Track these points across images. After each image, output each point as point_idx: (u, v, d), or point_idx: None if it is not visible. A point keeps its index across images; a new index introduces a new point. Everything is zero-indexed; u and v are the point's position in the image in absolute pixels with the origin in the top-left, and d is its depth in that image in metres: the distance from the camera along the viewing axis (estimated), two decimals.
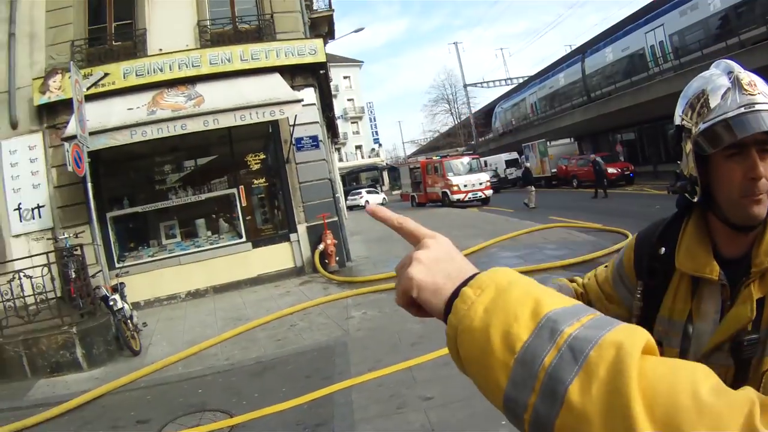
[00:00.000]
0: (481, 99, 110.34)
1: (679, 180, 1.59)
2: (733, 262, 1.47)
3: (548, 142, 40.71)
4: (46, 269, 9.11)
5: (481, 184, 31.11)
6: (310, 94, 14.39)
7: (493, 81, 71.25)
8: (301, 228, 14.30)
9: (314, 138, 14.53)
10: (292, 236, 14.34)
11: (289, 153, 14.20)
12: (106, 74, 12.65)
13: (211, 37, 14.30)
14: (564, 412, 0.64)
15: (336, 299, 11.13)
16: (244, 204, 14.42)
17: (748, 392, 0.62)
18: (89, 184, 10.22)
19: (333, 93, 28.60)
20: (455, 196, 30.57)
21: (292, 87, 13.65)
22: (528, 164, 30.61)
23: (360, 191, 49.94)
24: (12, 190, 12.78)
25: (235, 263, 13.84)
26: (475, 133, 69.23)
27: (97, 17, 14.04)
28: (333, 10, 21.91)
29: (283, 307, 10.92)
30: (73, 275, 9.58)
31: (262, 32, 14.54)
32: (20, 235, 12.70)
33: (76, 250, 9.89)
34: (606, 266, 1.87)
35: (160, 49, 13.67)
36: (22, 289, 8.91)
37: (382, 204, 45.96)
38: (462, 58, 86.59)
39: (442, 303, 0.79)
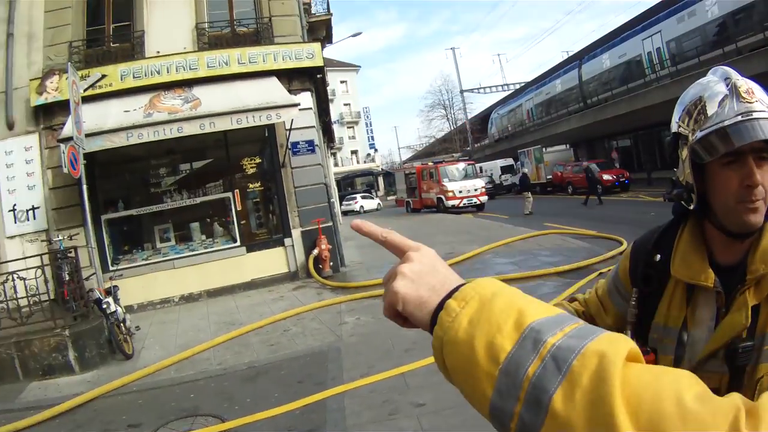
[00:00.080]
0: (478, 105, 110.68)
1: (675, 187, 1.59)
2: (728, 269, 1.47)
3: (544, 149, 40.77)
4: (39, 271, 9.08)
5: (476, 190, 31.16)
6: (306, 99, 14.38)
7: (490, 87, 71.43)
8: (296, 233, 14.29)
9: (310, 142, 14.52)
10: (287, 241, 14.32)
11: (284, 157, 14.20)
12: (103, 76, 12.67)
13: (209, 39, 14.29)
14: (549, 421, 0.64)
15: (329, 304, 11.11)
16: (239, 208, 14.40)
17: (733, 399, 0.62)
18: (84, 186, 10.21)
19: (330, 97, 28.65)
20: (450, 202, 30.59)
21: (289, 91, 13.62)
22: (526, 170, 30.64)
23: (355, 196, 50.04)
24: (7, 191, 12.74)
25: (229, 267, 13.81)
26: (470, 138, 69.36)
27: (96, 18, 14.04)
28: (331, 14, 21.87)
29: (277, 312, 10.91)
30: (67, 277, 9.57)
31: (260, 35, 14.54)
32: (15, 236, 12.64)
33: (70, 252, 9.89)
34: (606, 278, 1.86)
35: (158, 52, 13.65)
36: (16, 291, 8.91)
37: (376, 209, 46.37)
38: (459, 64, 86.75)
39: (427, 316, 0.80)
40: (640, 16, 34.23)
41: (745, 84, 1.39)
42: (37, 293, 9.01)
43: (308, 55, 14.23)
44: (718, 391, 1.31)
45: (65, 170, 10.48)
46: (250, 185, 14.83)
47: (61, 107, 12.27)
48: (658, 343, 1.55)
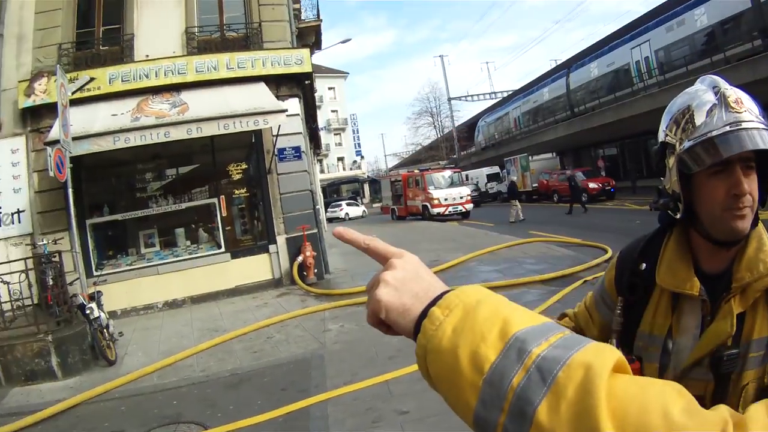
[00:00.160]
0: (465, 112, 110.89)
1: (661, 196, 1.59)
2: (714, 277, 1.47)
3: (530, 157, 40.88)
4: (23, 275, 9.04)
5: (461, 197, 31.20)
6: (294, 105, 14.41)
7: (478, 95, 71.55)
8: (281, 239, 14.29)
9: (297, 149, 14.55)
10: (271, 248, 14.32)
11: (271, 163, 14.21)
12: (91, 79, 12.66)
13: (198, 44, 14.29)
14: None
15: (313, 312, 11.11)
16: (224, 214, 14.37)
17: (721, 411, 0.62)
18: (70, 190, 10.18)
19: (317, 104, 28.62)
20: (436, 210, 30.59)
21: (277, 97, 13.65)
22: (514, 178, 30.72)
23: (340, 203, 49.98)
24: None
25: (214, 274, 13.77)
26: (457, 146, 69.45)
27: (86, 21, 14.00)
28: (321, 21, 21.96)
29: (261, 318, 10.89)
30: (51, 282, 9.51)
31: (250, 41, 14.55)
32: None
33: (55, 256, 9.83)
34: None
35: (147, 55, 13.63)
36: None
37: (361, 216, 46.33)
38: (447, 72, 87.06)
39: (410, 323, 0.79)
40: (629, 25, 34.53)
41: (734, 93, 1.39)
42: (21, 297, 8.98)
43: (297, 61, 14.27)
44: (703, 398, 1.35)
45: (51, 173, 10.41)
46: (236, 191, 14.81)
47: (49, 110, 12.21)
48: (643, 351, 1.55)
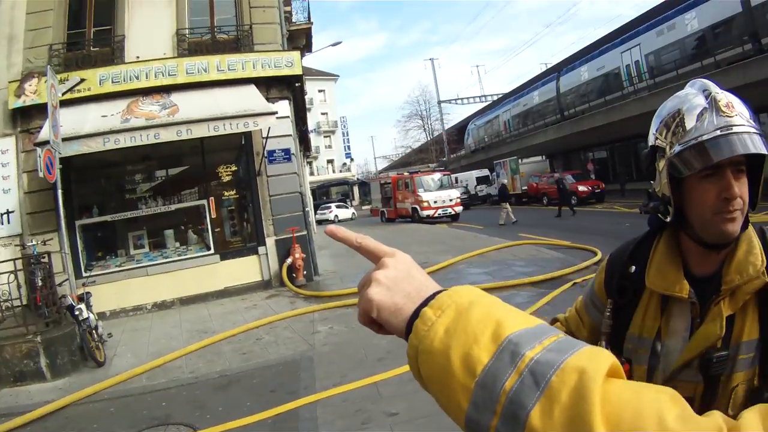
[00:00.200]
0: (455, 115, 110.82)
1: (651, 200, 1.59)
2: (703, 280, 1.48)
3: (520, 160, 40.97)
4: (12, 276, 9.01)
5: (451, 200, 31.31)
6: (284, 107, 14.41)
7: (468, 98, 71.74)
8: (270, 241, 14.29)
9: (286, 151, 14.56)
10: (261, 249, 14.32)
11: (260, 165, 14.21)
12: (82, 80, 12.63)
13: (189, 46, 14.26)
14: None
15: (302, 313, 11.11)
16: (213, 216, 14.36)
17: (715, 418, 0.61)
18: (59, 191, 10.17)
19: (307, 106, 28.61)
20: (425, 212, 30.69)
21: (267, 99, 13.65)
22: (505, 181, 30.85)
23: (329, 205, 49.87)
24: None
25: (203, 275, 13.75)
26: (447, 149, 69.55)
27: (77, 22, 13.93)
28: (312, 23, 21.92)
29: (250, 320, 10.90)
30: (40, 283, 9.45)
31: (240, 43, 14.54)
32: None
33: (44, 257, 9.80)
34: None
35: (138, 57, 13.59)
36: None
37: (351, 219, 46.30)
38: (437, 75, 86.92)
39: (402, 323, 0.78)
40: (620, 29, 34.72)
41: (725, 97, 1.39)
42: (10, 298, 8.96)
43: (287, 63, 14.28)
44: (693, 400, 1.37)
45: (41, 174, 10.39)
46: (226, 193, 14.80)
47: (39, 110, 12.17)
48: (632, 354, 1.56)
